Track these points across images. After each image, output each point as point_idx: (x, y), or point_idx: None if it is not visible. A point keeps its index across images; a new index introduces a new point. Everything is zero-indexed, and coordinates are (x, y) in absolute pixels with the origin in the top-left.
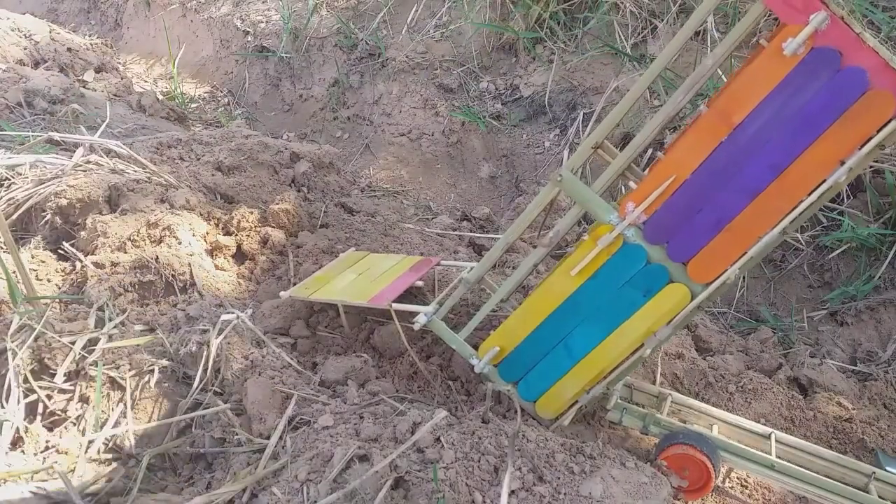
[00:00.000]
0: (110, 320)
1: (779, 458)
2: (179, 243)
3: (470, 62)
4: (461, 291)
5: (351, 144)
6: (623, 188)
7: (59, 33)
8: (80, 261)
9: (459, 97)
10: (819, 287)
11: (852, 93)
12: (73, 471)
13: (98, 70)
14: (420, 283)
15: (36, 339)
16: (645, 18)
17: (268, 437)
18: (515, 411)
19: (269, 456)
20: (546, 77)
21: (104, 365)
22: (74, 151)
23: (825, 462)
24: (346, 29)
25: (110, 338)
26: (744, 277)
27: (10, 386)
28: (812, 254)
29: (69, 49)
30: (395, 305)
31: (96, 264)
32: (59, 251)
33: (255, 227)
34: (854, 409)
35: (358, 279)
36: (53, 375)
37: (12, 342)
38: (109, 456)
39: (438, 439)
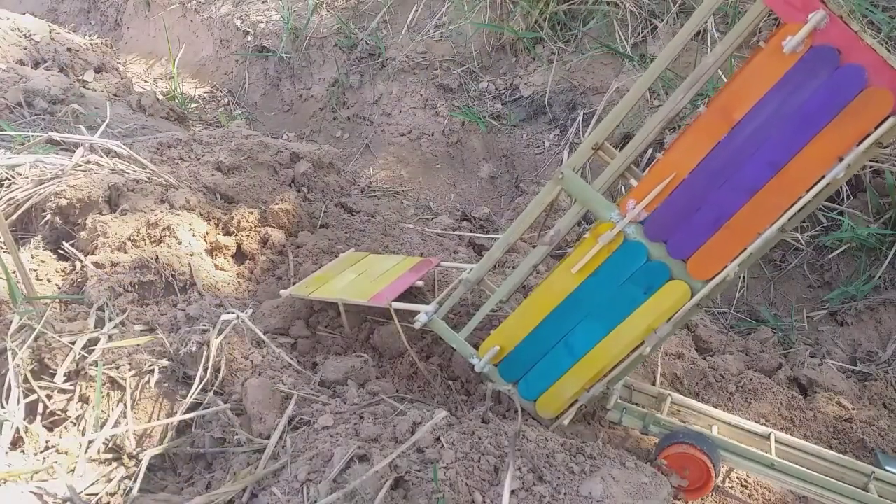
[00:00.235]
0: (110, 320)
1: (779, 458)
2: (179, 243)
3: (470, 62)
4: (462, 291)
5: (351, 144)
6: (623, 188)
7: (59, 33)
8: (80, 261)
9: (459, 97)
10: (819, 287)
11: (850, 90)
12: (73, 471)
13: (98, 70)
14: (420, 284)
15: (36, 339)
16: (645, 18)
17: (268, 437)
18: (516, 411)
19: (269, 456)
20: (546, 77)
21: (104, 365)
22: (74, 151)
23: (825, 462)
24: (346, 29)
25: (110, 338)
26: (744, 277)
27: (10, 386)
28: (812, 254)
29: (69, 49)
30: (396, 305)
31: (96, 264)
32: (59, 251)
33: (255, 227)
34: (854, 409)
35: (358, 279)
36: (53, 375)
37: (12, 342)
38: (109, 456)
39: (438, 439)
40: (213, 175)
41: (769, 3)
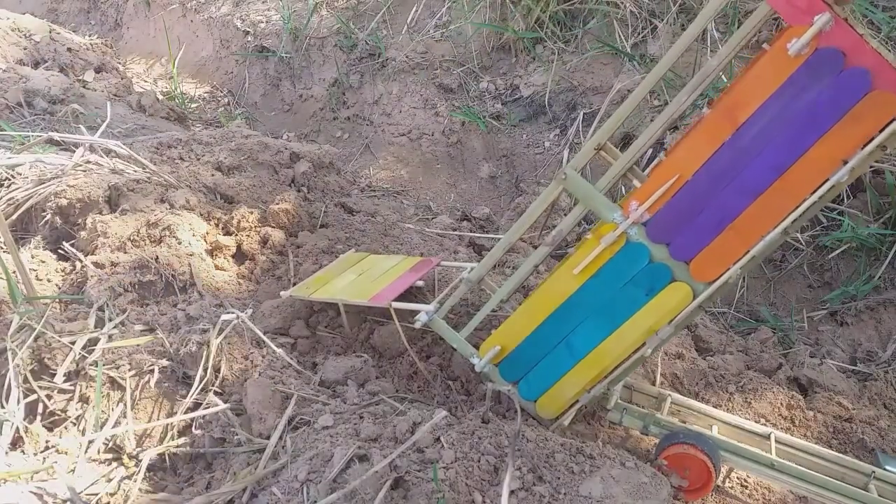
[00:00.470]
0: (110, 320)
1: (779, 457)
2: (179, 243)
3: (470, 62)
4: (462, 291)
5: (351, 144)
6: (624, 189)
7: (59, 33)
8: (80, 261)
9: (459, 97)
10: (819, 287)
11: (855, 93)
12: (73, 471)
13: (98, 70)
14: (420, 283)
15: (36, 339)
16: (645, 18)
17: (268, 437)
18: (515, 411)
19: (268, 456)
20: (546, 77)
21: (104, 365)
22: (74, 151)
23: (825, 462)
24: (346, 29)
25: (110, 338)
26: (744, 277)
27: (10, 386)
28: (812, 254)
29: (69, 49)
30: (396, 304)
31: (96, 264)
32: (59, 251)
33: (255, 227)
34: (854, 409)
35: (358, 279)
36: (53, 375)
37: (12, 342)
38: (109, 456)
39: (438, 439)
40: (213, 175)
41: (774, 5)
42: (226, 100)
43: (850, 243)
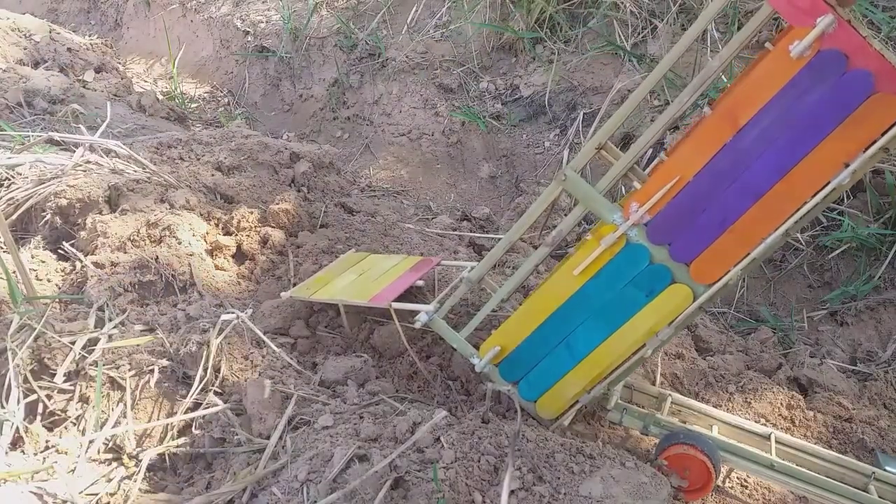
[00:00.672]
0: (110, 320)
1: (779, 458)
2: (179, 243)
3: (470, 62)
4: (463, 290)
5: (351, 144)
6: (623, 188)
7: (59, 33)
8: (80, 261)
9: (459, 97)
10: (819, 287)
11: (858, 96)
12: (73, 471)
13: (98, 70)
14: (420, 283)
15: (36, 339)
16: (645, 18)
17: (268, 437)
18: (515, 411)
19: (268, 456)
20: (546, 77)
21: (104, 365)
22: (74, 151)
23: (825, 462)
24: (346, 29)
25: (110, 338)
26: (744, 277)
27: (10, 386)
28: (812, 254)
29: (69, 49)
30: (396, 305)
31: (96, 264)
32: (59, 251)
33: (255, 227)
34: (854, 409)
35: (358, 279)
36: (53, 375)
37: (12, 342)
38: (109, 456)
39: (438, 439)
40: (213, 175)
41: (776, 6)
42: (226, 100)
43: (850, 243)
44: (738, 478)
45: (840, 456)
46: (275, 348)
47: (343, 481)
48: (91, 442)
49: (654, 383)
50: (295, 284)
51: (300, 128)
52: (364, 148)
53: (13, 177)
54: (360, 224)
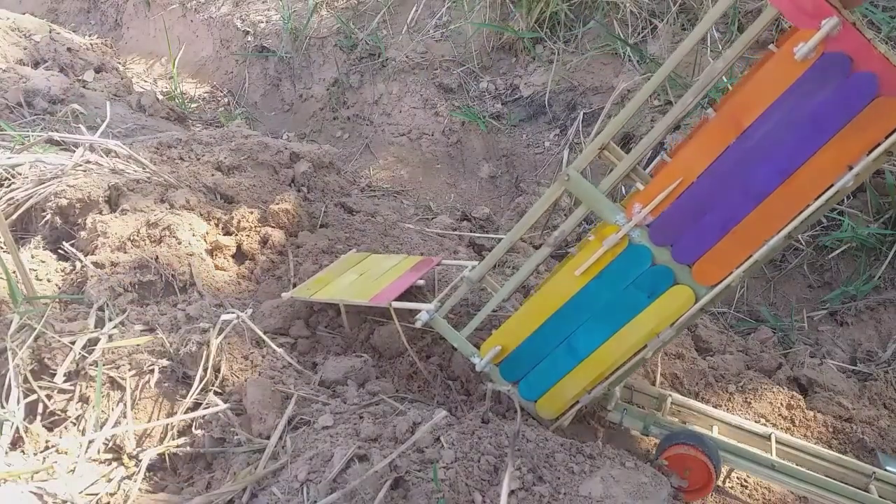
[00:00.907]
0: (110, 320)
1: (779, 458)
2: (179, 243)
3: (470, 62)
4: (463, 290)
5: (351, 144)
6: (624, 189)
7: (59, 33)
8: (80, 261)
9: (459, 97)
10: (819, 287)
11: (862, 98)
12: (73, 471)
13: (98, 70)
14: (421, 283)
15: (36, 339)
16: (645, 18)
17: (268, 437)
18: (515, 411)
19: (268, 456)
20: (546, 77)
21: (104, 365)
22: (74, 151)
23: (825, 462)
24: (346, 29)
25: (110, 338)
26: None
27: (10, 386)
28: (812, 254)
29: (69, 49)
30: (397, 304)
31: (96, 264)
32: (59, 251)
33: (255, 227)
34: (854, 409)
35: (359, 279)
36: (53, 375)
37: (12, 342)
38: (109, 456)
39: (438, 439)
40: (213, 175)
41: (781, 8)
42: (226, 100)
43: (850, 243)
44: (738, 478)
45: (840, 456)
46: (275, 348)
47: (343, 481)
48: (91, 442)
49: (654, 383)
50: (295, 284)
51: (300, 128)
52: (364, 148)
53: (13, 177)
54: (360, 224)
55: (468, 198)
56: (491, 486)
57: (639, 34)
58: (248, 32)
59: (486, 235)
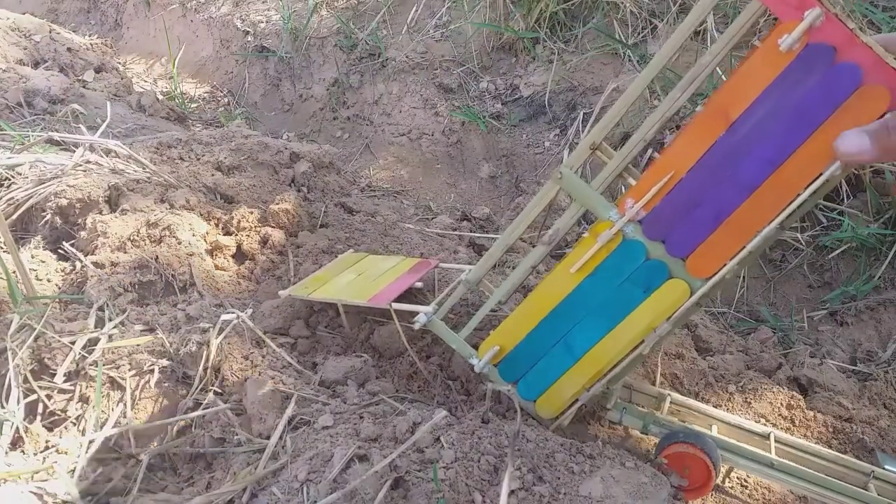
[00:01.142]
0: (110, 320)
1: (779, 457)
2: (179, 243)
3: (470, 62)
4: (461, 292)
5: (351, 144)
6: (623, 188)
7: (58, 33)
8: (80, 261)
9: (459, 97)
10: (819, 287)
11: (846, 88)
12: (73, 471)
13: (98, 70)
14: (420, 284)
15: (36, 339)
16: (645, 18)
17: (268, 437)
18: (515, 411)
19: (268, 456)
20: (546, 77)
21: (104, 365)
22: (74, 151)
23: (825, 461)
24: (346, 29)
25: (110, 338)
26: (743, 277)
27: (10, 386)
28: (812, 254)
29: (69, 49)
30: (395, 305)
31: (96, 264)
32: (59, 251)
33: (255, 227)
34: (854, 409)
35: (357, 279)
36: (53, 375)
37: (12, 342)
38: (109, 456)
39: (438, 439)
40: (213, 175)
41: (764, 0)
42: (226, 100)
43: (850, 243)
44: (737, 477)
45: (840, 455)
46: (275, 348)
47: (343, 481)
48: (91, 442)
49: (653, 383)
50: (294, 284)
51: (300, 128)
52: (364, 148)
53: (13, 177)
54: (360, 224)
55: (468, 198)
56: (491, 485)
57: (639, 34)
58: (248, 32)
59: (486, 235)
